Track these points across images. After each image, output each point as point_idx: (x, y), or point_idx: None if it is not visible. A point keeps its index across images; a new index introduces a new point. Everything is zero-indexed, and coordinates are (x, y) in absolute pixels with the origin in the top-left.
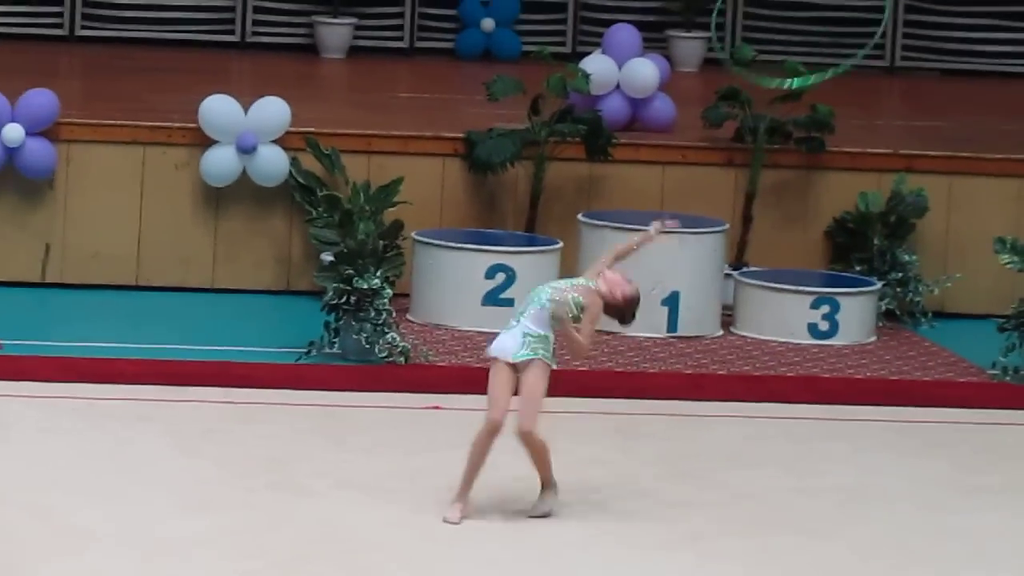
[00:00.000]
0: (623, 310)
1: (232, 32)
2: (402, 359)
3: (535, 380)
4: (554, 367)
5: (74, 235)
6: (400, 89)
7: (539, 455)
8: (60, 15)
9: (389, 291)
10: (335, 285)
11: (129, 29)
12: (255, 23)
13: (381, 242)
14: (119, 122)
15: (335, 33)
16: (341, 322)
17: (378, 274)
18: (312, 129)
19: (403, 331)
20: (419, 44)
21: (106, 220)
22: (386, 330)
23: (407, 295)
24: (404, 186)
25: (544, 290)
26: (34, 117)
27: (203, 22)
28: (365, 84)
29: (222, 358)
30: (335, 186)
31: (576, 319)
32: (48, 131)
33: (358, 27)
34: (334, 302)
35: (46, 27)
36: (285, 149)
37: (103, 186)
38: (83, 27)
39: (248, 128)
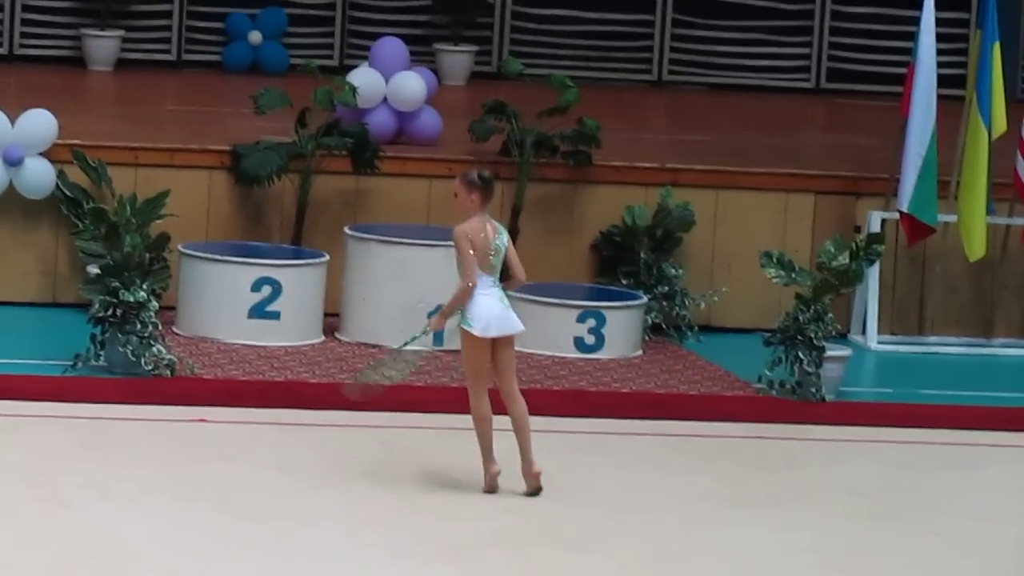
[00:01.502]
0: (481, 181)
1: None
2: (168, 372)
3: (462, 349)
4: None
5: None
6: (167, 102)
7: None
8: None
9: (155, 304)
10: (101, 297)
11: None
12: (22, 35)
13: (147, 255)
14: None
15: (102, 45)
16: (107, 334)
17: (144, 287)
18: (79, 141)
19: (169, 343)
20: (186, 56)
21: None
22: (152, 343)
23: (173, 308)
24: (171, 199)
25: None
26: None
27: None
28: (132, 96)
29: None
30: (102, 199)
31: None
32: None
33: (125, 39)
34: (100, 314)
35: None
36: (52, 161)
37: None
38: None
39: (15, 140)
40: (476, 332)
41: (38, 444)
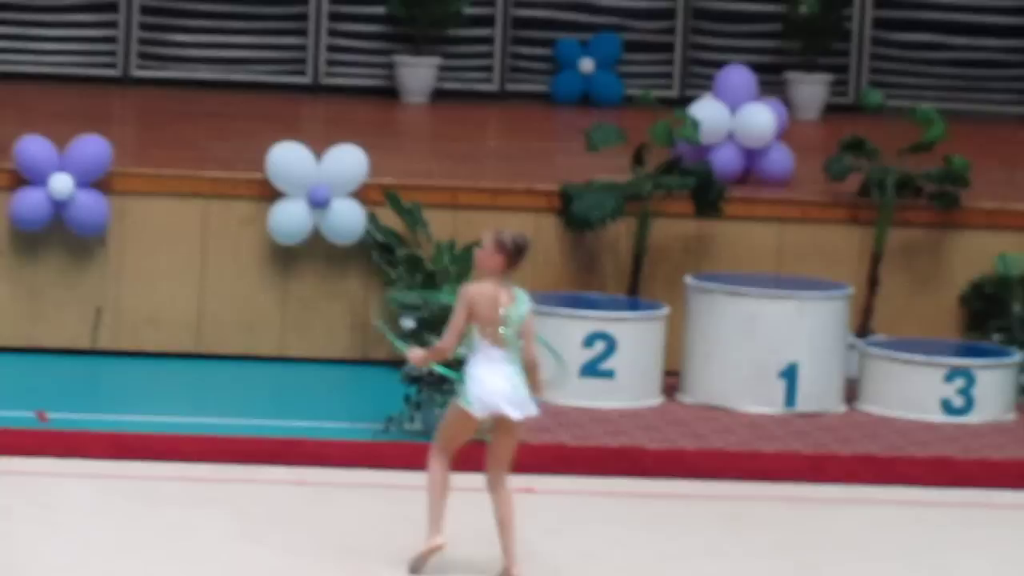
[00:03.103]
0: (514, 248)
1: (303, 73)
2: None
3: (447, 411)
4: (463, 406)
5: (128, 298)
6: (489, 137)
7: (427, 486)
8: (113, 54)
9: None
10: None
11: (189, 70)
12: (329, 63)
13: None
14: (178, 172)
15: (417, 74)
16: (423, 395)
17: (464, 343)
18: (392, 181)
19: None
20: (510, 87)
21: (163, 281)
22: None
23: None
24: None
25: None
26: (85, 167)
27: (271, 62)
28: (450, 131)
29: (291, 434)
30: (417, 244)
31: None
32: (100, 182)
33: (442, 68)
34: (415, 373)
35: (98, 67)
36: (362, 203)
37: (160, 243)
38: (139, 67)
39: (321, 180)
40: (470, 409)
41: (348, 516)
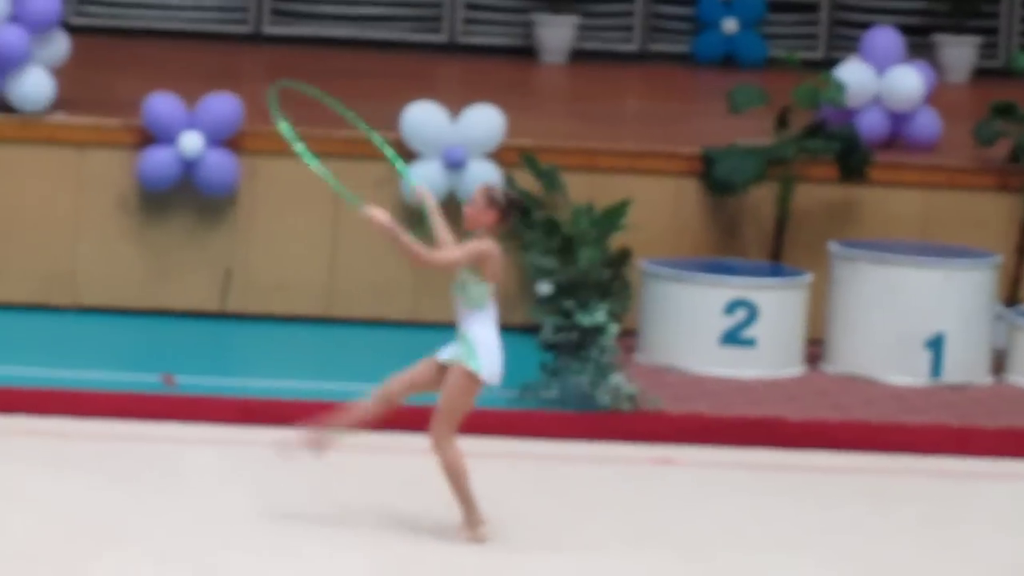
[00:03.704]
0: (508, 204)
1: (439, 31)
2: (628, 405)
3: (450, 386)
4: (477, 374)
5: (258, 260)
6: (628, 98)
7: (450, 476)
8: (245, 10)
9: (614, 328)
10: (554, 320)
11: (323, 27)
12: (466, 22)
13: (606, 272)
14: (311, 132)
15: (556, 34)
16: (560, 362)
17: (602, 308)
18: (529, 142)
19: (630, 373)
20: (651, 47)
21: (295, 244)
22: (610, 372)
23: (634, 333)
24: (633, 209)
25: None
26: (215, 125)
27: (407, 20)
28: (589, 92)
29: (424, 401)
30: (554, 208)
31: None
32: (230, 141)
33: (582, 27)
34: (552, 339)
35: (229, 24)
36: (498, 165)
37: (292, 205)
38: (271, 24)
39: (456, 141)
40: (483, 376)
41: (482, 486)
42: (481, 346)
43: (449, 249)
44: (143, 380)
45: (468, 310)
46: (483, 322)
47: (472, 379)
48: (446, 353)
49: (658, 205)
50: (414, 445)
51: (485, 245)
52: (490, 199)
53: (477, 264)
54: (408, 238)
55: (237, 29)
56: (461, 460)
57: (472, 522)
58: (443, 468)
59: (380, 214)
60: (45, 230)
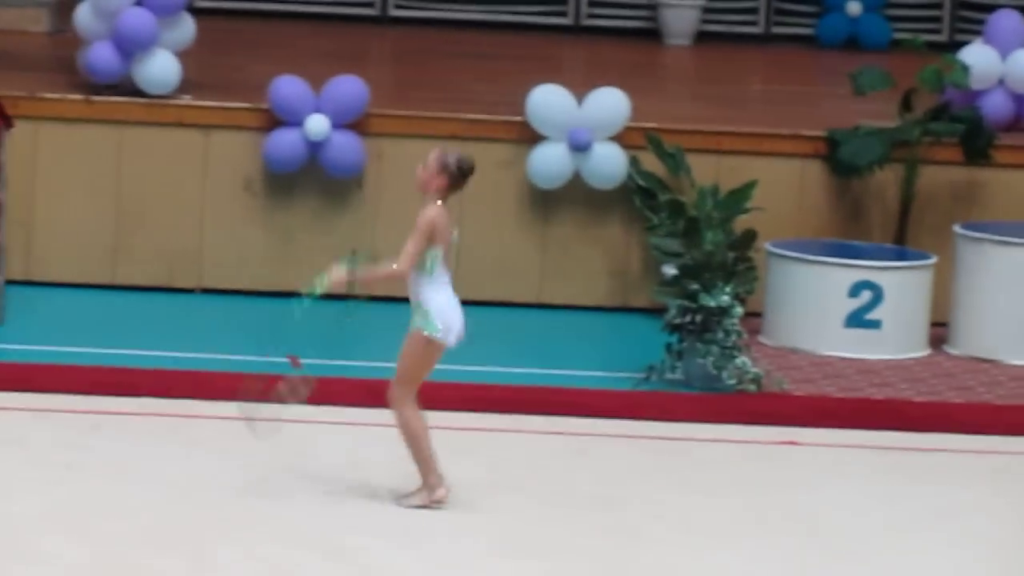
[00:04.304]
0: (456, 169)
1: (565, 14)
2: (753, 387)
3: (405, 349)
4: (433, 336)
5: (383, 241)
6: (753, 80)
7: (408, 439)
8: None
9: (739, 310)
10: (678, 302)
11: (449, 9)
12: (591, 4)
13: (731, 254)
14: (436, 114)
15: (681, 16)
16: (684, 344)
17: (727, 290)
18: (654, 125)
19: (755, 355)
20: (775, 30)
21: None
22: (735, 354)
23: (759, 314)
24: (757, 190)
25: None
26: (341, 107)
27: (533, 2)
28: (714, 74)
29: (549, 383)
30: (679, 190)
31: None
32: (356, 123)
33: (706, 10)
34: (677, 321)
35: (356, 6)
36: (623, 147)
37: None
38: (397, 7)
39: (582, 123)
40: (439, 338)
41: (607, 467)
42: (434, 311)
43: (403, 252)
44: (269, 362)
45: (418, 276)
46: (435, 287)
47: (428, 342)
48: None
49: (783, 187)
50: (535, 424)
51: (432, 212)
52: (442, 164)
53: (429, 234)
54: (369, 272)
55: (363, 11)
56: (419, 422)
57: (430, 485)
58: (401, 430)
59: (335, 275)
60: (171, 212)
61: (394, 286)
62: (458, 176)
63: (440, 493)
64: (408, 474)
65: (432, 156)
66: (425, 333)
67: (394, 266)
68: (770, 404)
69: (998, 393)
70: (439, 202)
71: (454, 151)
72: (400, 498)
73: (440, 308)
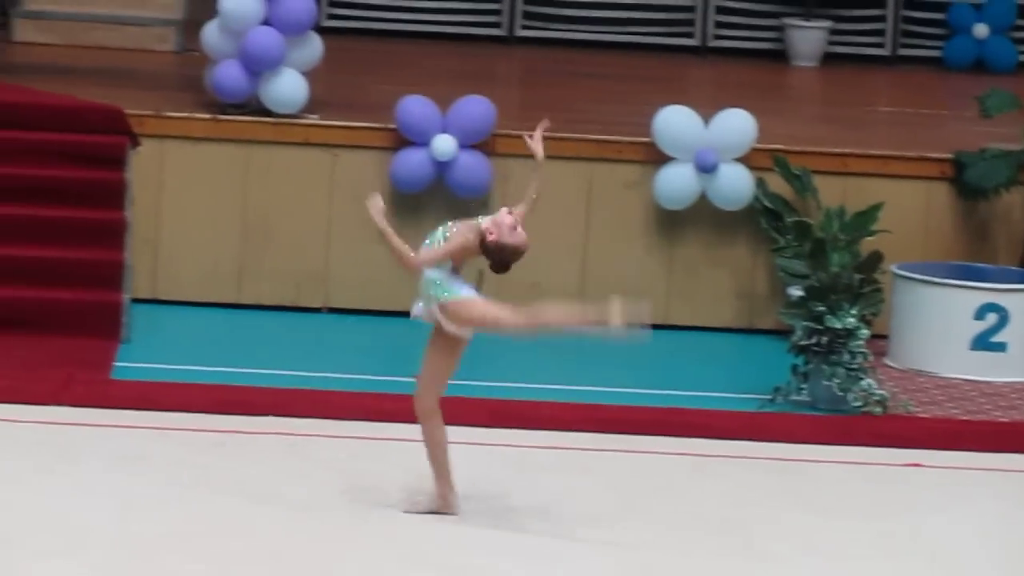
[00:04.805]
0: (493, 253)
1: (692, 35)
2: (879, 409)
3: (429, 346)
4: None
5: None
6: (880, 102)
7: (426, 439)
8: (498, 13)
9: (866, 332)
10: (804, 324)
11: (575, 30)
12: (718, 25)
13: (857, 276)
14: (562, 135)
15: (808, 38)
16: (810, 366)
17: (853, 312)
18: (781, 146)
19: (880, 377)
20: (902, 52)
21: (547, 246)
22: (861, 376)
23: (885, 336)
24: (884, 212)
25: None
26: (467, 128)
27: (659, 23)
28: (841, 96)
29: (674, 403)
30: (806, 211)
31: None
32: (483, 144)
33: (833, 31)
34: (803, 343)
35: (483, 27)
36: (750, 168)
37: (543, 207)
38: (523, 27)
39: (709, 144)
40: (460, 335)
41: (731, 488)
42: (445, 279)
43: (429, 250)
44: (394, 381)
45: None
46: (454, 282)
47: (452, 342)
48: (418, 310)
49: (909, 209)
50: (659, 445)
51: (471, 244)
52: (486, 233)
53: (453, 255)
54: (397, 240)
55: (490, 31)
56: (442, 435)
57: (447, 491)
58: (426, 438)
59: (376, 206)
60: (298, 231)
61: (523, 305)
62: (493, 256)
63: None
64: (527, 497)
65: (496, 218)
66: (449, 332)
67: (412, 255)
68: (895, 426)
69: None
70: (474, 239)
71: (512, 239)
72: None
73: (447, 279)
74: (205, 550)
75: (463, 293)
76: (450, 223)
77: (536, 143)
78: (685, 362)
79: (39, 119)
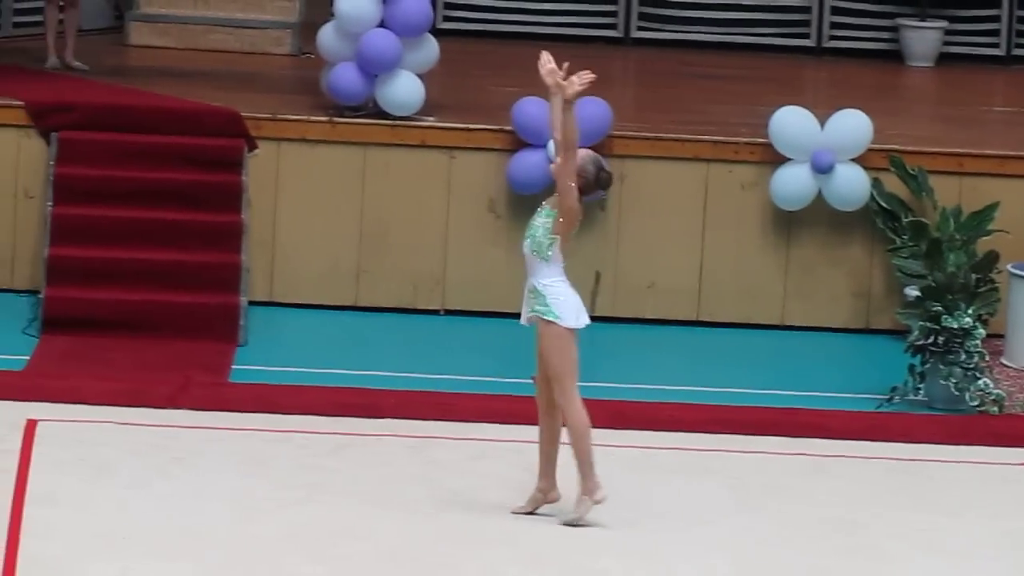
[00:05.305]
0: (592, 182)
1: (807, 36)
2: (996, 409)
3: (547, 344)
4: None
5: (628, 263)
6: (996, 102)
7: (572, 436)
8: (615, 15)
9: (982, 331)
10: (921, 323)
11: (690, 31)
12: (833, 26)
13: (973, 276)
14: (679, 136)
15: (923, 38)
16: (927, 365)
17: (970, 312)
18: (896, 147)
19: (997, 376)
20: (1017, 52)
21: (663, 246)
22: (978, 375)
23: (1001, 336)
24: (1000, 212)
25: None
26: (584, 129)
27: (774, 24)
28: (956, 96)
29: (791, 404)
30: (922, 211)
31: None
32: (599, 145)
33: (949, 31)
34: (920, 343)
35: (599, 28)
36: (866, 169)
37: (660, 208)
38: (639, 28)
39: (825, 144)
40: (571, 323)
41: (849, 488)
42: (552, 296)
43: (571, 208)
44: (512, 383)
45: (537, 263)
46: (552, 275)
47: (559, 331)
48: (524, 316)
49: None
50: (776, 445)
51: (576, 204)
52: (583, 166)
53: (566, 214)
54: (571, 129)
55: (606, 33)
56: (587, 418)
57: (590, 488)
58: (569, 428)
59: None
60: (415, 234)
61: (640, 307)
62: (592, 184)
63: (600, 494)
64: (648, 498)
65: (579, 154)
66: (550, 320)
67: (570, 184)
68: (1012, 426)
69: None
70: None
71: (601, 160)
72: (568, 518)
73: (557, 296)
74: (324, 552)
75: (561, 322)
76: (540, 207)
77: (569, 82)
78: (803, 363)
79: (157, 122)
